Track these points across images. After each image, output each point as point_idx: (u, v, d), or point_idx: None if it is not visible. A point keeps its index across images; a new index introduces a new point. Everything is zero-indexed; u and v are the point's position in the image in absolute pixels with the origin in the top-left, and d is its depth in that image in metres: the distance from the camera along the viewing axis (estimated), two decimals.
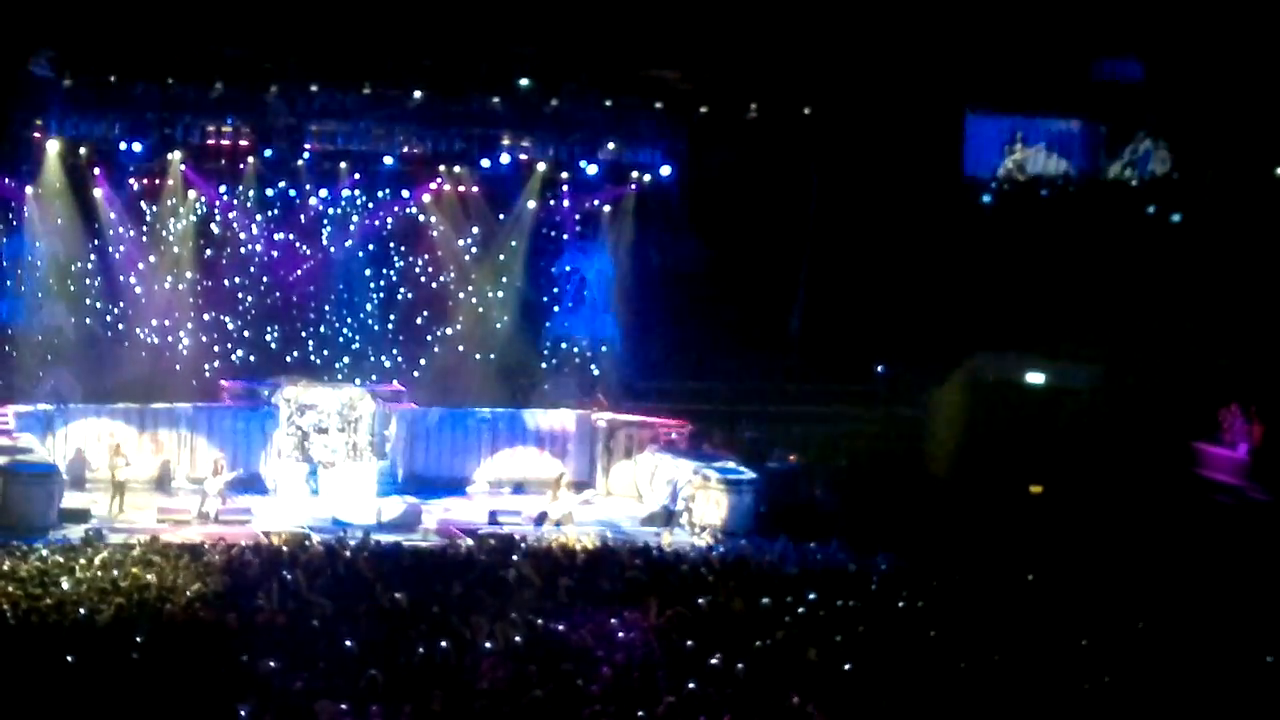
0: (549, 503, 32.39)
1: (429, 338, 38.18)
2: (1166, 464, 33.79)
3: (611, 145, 36.72)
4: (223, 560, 25.37)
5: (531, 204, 37.64)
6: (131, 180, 35.97)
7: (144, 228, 36.56)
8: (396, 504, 31.84)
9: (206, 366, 36.60)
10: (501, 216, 37.98)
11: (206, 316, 36.90)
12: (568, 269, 38.21)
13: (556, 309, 38.34)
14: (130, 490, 32.19)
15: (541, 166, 36.82)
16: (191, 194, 36.33)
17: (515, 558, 26.35)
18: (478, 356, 37.97)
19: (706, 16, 35.87)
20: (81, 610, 21.81)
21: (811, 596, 24.26)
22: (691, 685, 19.38)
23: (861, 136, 37.31)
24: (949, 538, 28.93)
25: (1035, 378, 37.24)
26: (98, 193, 35.62)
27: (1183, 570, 27.25)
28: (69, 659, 19.32)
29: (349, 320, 37.77)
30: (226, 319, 37.13)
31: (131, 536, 27.53)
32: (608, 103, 36.18)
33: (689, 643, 21.26)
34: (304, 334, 37.61)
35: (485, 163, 36.36)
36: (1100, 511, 32.46)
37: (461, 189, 37.47)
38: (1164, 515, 31.23)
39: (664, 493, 32.93)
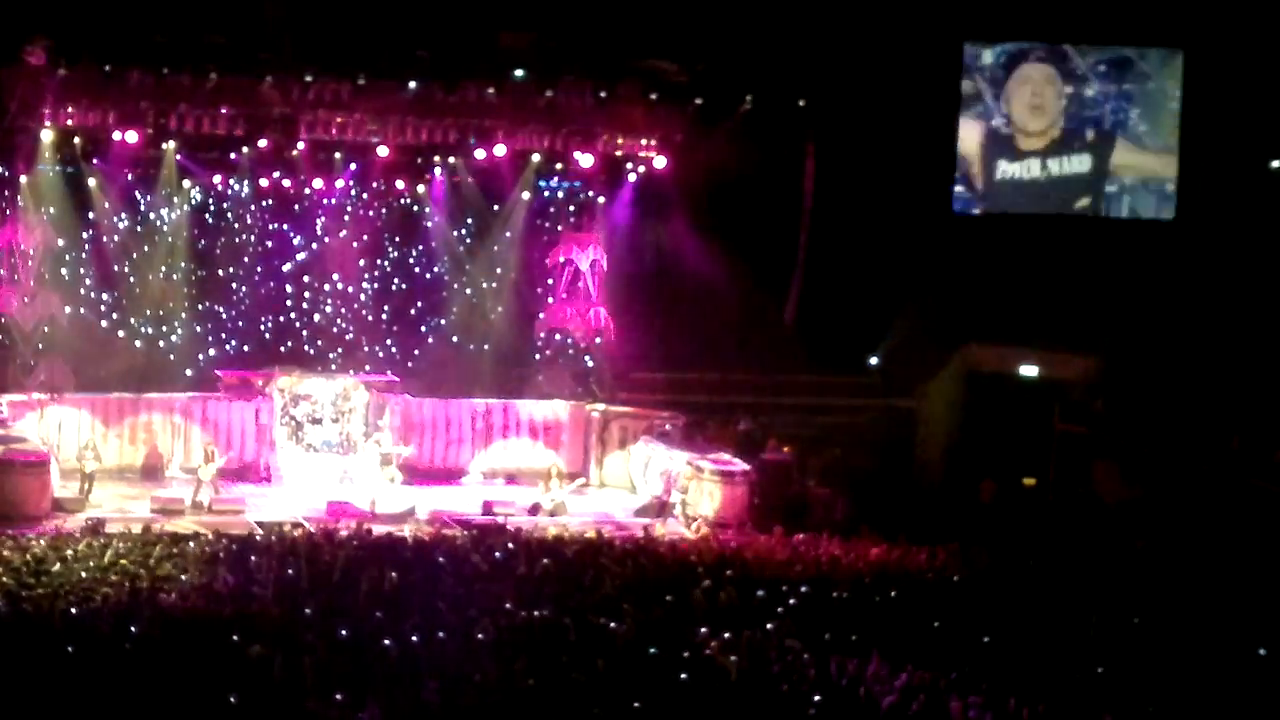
0: (542, 494, 32.40)
1: (423, 328, 38.16)
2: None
3: (606, 136, 36.66)
4: (216, 550, 25.41)
5: (525, 195, 37.62)
6: (126, 169, 35.93)
7: (138, 217, 36.54)
8: (391, 494, 31.90)
9: (200, 356, 36.58)
10: (496, 207, 37.96)
11: (200, 306, 36.87)
12: (562, 260, 38.17)
13: (550, 300, 38.33)
14: (124, 479, 32.31)
15: (536, 157, 36.78)
16: (185, 183, 36.29)
17: (507, 548, 26.42)
18: (471, 347, 37.97)
19: (701, 8, 35.84)
20: (75, 600, 21.84)
21: (804, 589, 24.32)
22: (684, 676, 19.45)
23: (857, 127, 37.30)
24: (942, 530, 29.03)
25: (1029, 370, 37.32)
26: (92, 182, 35.58)
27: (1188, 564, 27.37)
28: (61, 649, 19.36)
29: (343, 310, 37.75)
30: (220, 309, 37.08)
31: (125, 526, 27.55)
32: (602, 94, 36.12)
33: (683, 634, 21.34)
34: (298, 324, 37.58)
35: (480, 153, 36.30)
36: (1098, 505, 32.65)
37: (456, 179, 37.44)
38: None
39: (657, 484, 32.97)
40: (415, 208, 37.89)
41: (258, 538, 26.80)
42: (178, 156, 35.52)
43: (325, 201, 37.42)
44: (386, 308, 38.01)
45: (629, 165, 37.17)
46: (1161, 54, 38.63)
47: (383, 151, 35.84)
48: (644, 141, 36.78)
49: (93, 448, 31.88)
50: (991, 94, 38.97)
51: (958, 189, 39.51)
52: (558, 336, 38.14)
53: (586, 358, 37.95)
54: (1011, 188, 39.38)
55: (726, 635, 21.43)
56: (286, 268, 37.55)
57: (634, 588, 23.96)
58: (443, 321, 38.11)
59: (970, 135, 39.34)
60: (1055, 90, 38.89)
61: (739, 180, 37.20)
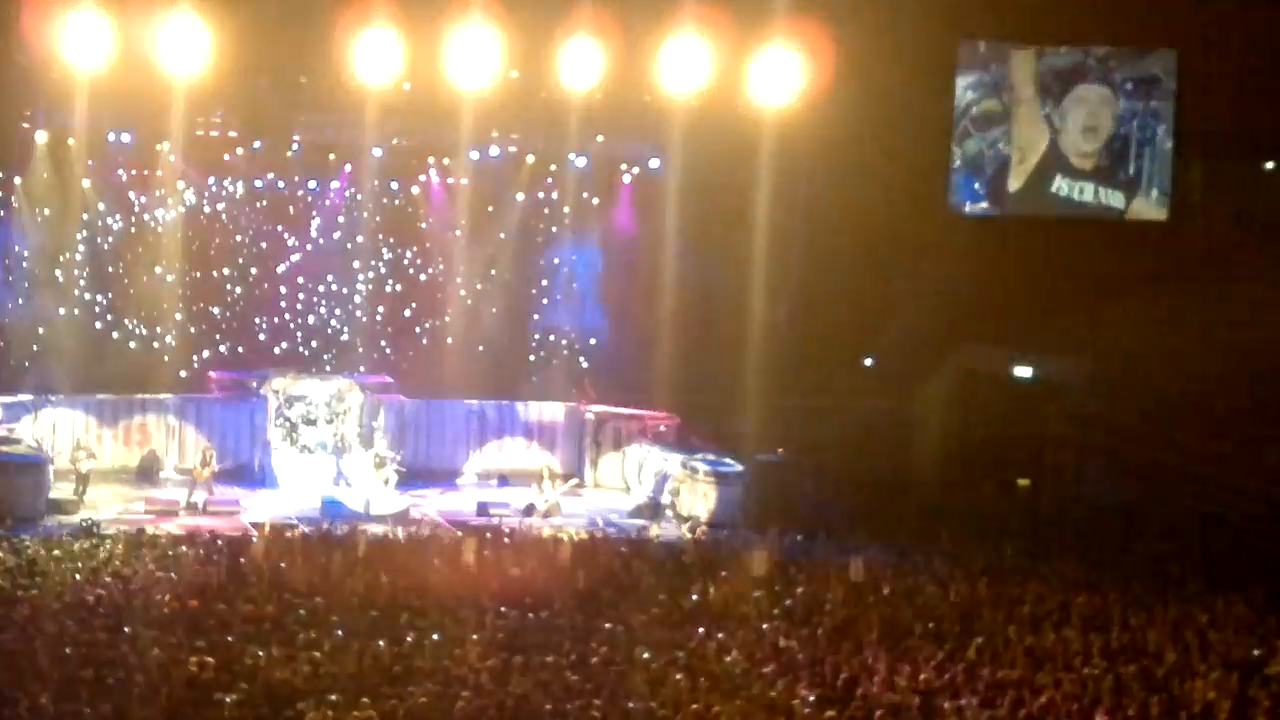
0: (536, 495, 32.38)
1: (417, 329, 38.19)
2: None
3: (601, 138, 36.66)
4: (210, 551, 25.41)
5: (520, 196, 37.64)
6: (120, 171, 35.92)
7: (132, 219, 36.54)
8: (386, 495, 31.89)
9: (194, 357, 36.59)
10: (490, 209, 37.97)
11: (195, 307, 36.87)
12: (556, 261, 38.20)
13: (545, 301, 38.34)
14: (118, 480, 32.32)
15: (530, 159, 36.77)
16: (180, 185, 36.29)
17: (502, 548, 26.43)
18: (466, 348, 37.96)
19: (698, 5, 35.74)
20: (68, 600, 21.83)
21: (798, 589, 24.33)
22: (679, 678, 19.44)
23: (854, 126, 37.24)
24: (936, 531, 29.03)
25: (1023, 371, 37.30)
26: (86, 183, 35.56)
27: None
28: (54, 649, 19.36)
29: (337, 311, 37.78)
30: (215, 310, 37.11)
31: (119, 527, 27.54)
32: (598, 95, 36.09)
33: (678, 635, 21.36)
34: (292, 325, 37.61)
35: (474, 155, 36.31)
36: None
37: (450, 181, 37.46)
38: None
39: (651, 485, 32.98)
40: (410, 209, 37.90)
41: (252, 539, 26.78)
42: (172, 158, 35.51)
43: (320, 202, 37.42)
44: (381, 309, 38.02)
45: (623, 166, 37.16)
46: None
47: (377, 153, 35.82)
48: (638, 143, 36.77)
49: (87, 448, 31.87)
50: (1037, 105, 38.67)
51: (975, 188, 39.05)
52: (552, 337, 38.16)
53: (581, 359, 37.96)
54: (1061, 203, 38.97)
55: (720, 636, 21.44)
56: (281, 269, 37.58)
57: (628, 589, 23.97)
58: (437, 322, 38.11)
59: (1038, 139, 38.72)
60: (1110, 112, 38.72)
61: (734, 179, 37.16)
